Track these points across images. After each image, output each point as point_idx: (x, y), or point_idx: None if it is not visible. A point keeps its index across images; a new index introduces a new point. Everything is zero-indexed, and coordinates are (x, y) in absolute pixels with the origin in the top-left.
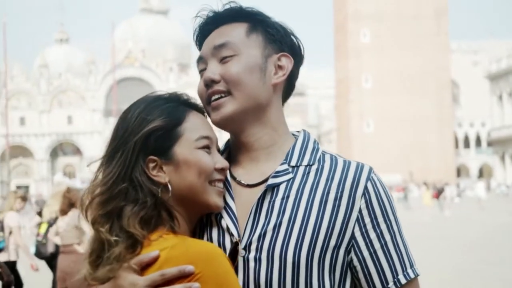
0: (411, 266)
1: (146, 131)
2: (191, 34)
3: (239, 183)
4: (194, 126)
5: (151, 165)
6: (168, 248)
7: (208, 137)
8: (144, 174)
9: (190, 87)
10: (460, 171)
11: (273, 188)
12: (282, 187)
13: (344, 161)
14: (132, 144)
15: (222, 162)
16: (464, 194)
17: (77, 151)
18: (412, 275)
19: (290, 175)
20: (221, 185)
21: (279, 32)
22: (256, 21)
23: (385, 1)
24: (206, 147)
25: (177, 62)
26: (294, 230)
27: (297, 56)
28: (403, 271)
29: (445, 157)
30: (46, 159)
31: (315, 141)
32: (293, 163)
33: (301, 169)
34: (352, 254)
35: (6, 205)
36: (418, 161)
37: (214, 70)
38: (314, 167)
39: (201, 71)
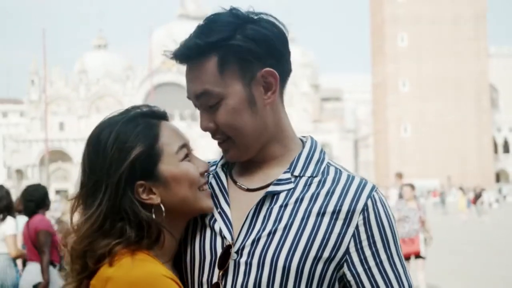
0: (410, 286)
1: (131, 160)
2: None
3: (240, 187)
4: (169, 138)
5: (140, 189)
6: (115, 267)
7: (185, 144)
8: (135, 202)
9: None
10: (499, 176)
11: (273, 195)
12: (282, 195)
13: (348, 176)
14: (118, 176)
15: (203, 165)
16: (505, 200)
17: None
18: None
19: (292, 185)
20: (206, 186)
21: (250, 50)
22: (222, 50)
23: (422, 5)
24: (187, 156)
25: None
26: (289, 237)
27: (279, 55)
28: None
29: (484, 162)
30: None
31: (321, 151)
32: (296, 172)
33: (303, 180)
34: (345, 269)
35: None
36: (456, 166)
37: (207, 119)
38: (316, 179)
39: (195, 105)
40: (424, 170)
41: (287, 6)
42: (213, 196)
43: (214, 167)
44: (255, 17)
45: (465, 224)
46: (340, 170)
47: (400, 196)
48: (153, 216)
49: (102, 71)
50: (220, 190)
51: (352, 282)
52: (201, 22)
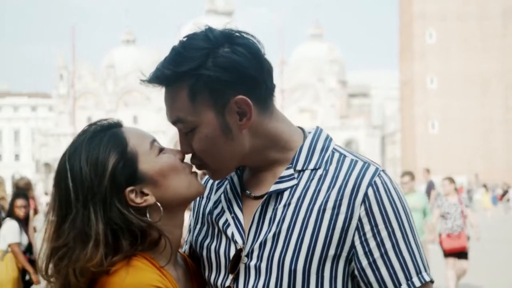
0: (418, 273)
1: (110, 171)
2: (256, 35)
3: (249, 195)
4: (138, 139)
5: (132, 195)
6: (112, 275)
7: (155, 139)
8: (125, 211)
9: None
10: None
11: (277, 194)
12: (285, 194)
13: (351, 161)
14: (103, 192)
15: (178, 153)
16: None
17: None
18: (417, 284)
19: (294, 181)
20: (193, 168)
21: (220, 79)
22: (192, 79)
23: (451, 2)
24: (161, 149)
25: None
26: (292, 239)
27: (252, 78)
28: (407, 280)
29: (511, 159)
30: None
31: (326, 139)
32: (299, 167)
33: (306, 174)
34: (353, 264)
35: None
36: (483, 163)
37: (185, 143)
38: (319, 172)
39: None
40: (451, 167)
41: (315, 2)
42: (227, 200)
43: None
44: (230, 38)
45: (491, 222)
46: (344, 156)
47: (428, 191)
48: (149, 218)
49: (130, 66)
50: (234, 195)
51: (359, 278)
52: (176, 44)
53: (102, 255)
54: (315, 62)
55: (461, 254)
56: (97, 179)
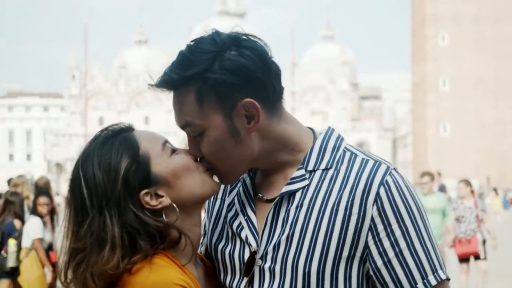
0: (434, 271)
1: (123, 175)
2: (268, 36)
3: (261, 199)
4: (149, 141)
5: (147, 198)
6: (134, 274)
7: (166, 141)
8: (140, 214)
9: None
10: None
11: (290, 196)
12: (297, 195)
13: (362, 161)
14: (117, 196)
15: (189, 152)
16: None
17: None
18: (433, 282)
19: (306, 182)
20: (204, 167)
21: (226, 83)
22: (199, 83)
23: (464, 4)
24: (174, 150)
25: None
26: (306, 240)
27: (259, 81)
28: (423, 278)
29: None
30: None
31: (337, 138)
32: (310, 167)
33: (317, 174)
34: (368, 265)
35: None
36: (496, 167)
37: (193, 147)
38: (330, 172)
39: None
40: (463, 170)
41: (327, 3)
42: (240, 203)
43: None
44: (238, 42)
45: (502, 226)
46: (355, 155)
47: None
48: (165, 219)
49: (142, 66)
50: (247, 197)
51: (374, 278)
52: (183, 49)
53: (119, 258)
54: (326, 64)
55: (476, 256)
56: (110, 184)
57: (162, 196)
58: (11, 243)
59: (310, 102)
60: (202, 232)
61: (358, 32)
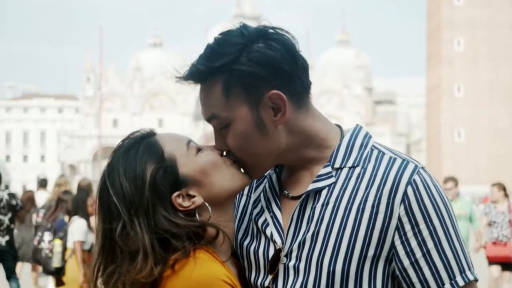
0: (462, 272)
1: (150, 181)
2: None
3: (287, 195)
4: (173, 143)
5: (179, 200)
6: (177, 270)
7: (189, 140)
8: (174, 215)
9: None
10: None
11: (316, 193)
12: (323, 193)
13: (389, 159)
14: (145, 203)
15: (216, 148)
16: None
17: None
18: (461, 283)
19: (332, 179)
20: (232, 161)
21: (252, 74)
22: (226, 74)
23: (480, 10)
24: (199, 149)
25: None
26: (331, 239)
27: (287, 74)
28: (450, 279)
29: None
30: None
31: (365, 136)
32: (337, 164)
33: (344, 172)
34: (394, 264)
35: None
36: (510, 172)
37: (219, 140)
38: (357, 170)
39: (208, 120)
40: (477, 176)
41: (342, 7)
42: (266, 199)
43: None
44: (265, 34)
45: None
46: (382, 153)
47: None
48: (199, 218)
49: (156, 69)
50: (272, 194)
51: (400, 278)
52: (211, 42)
53: (152, 265)
54: (341, 68)
55: (505, 264)
56: (138, 193)
57: (194, 196)
58: (57, 243)
59: (324, 106)
60: None
61: (373, 37)
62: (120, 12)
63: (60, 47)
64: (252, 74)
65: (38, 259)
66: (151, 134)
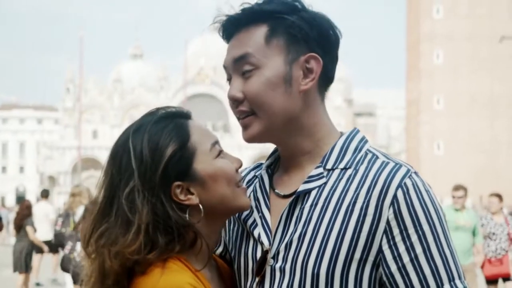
0: (451, 280)
1: (166, 161)
2: None
3: (278, 194)
4: (201, 137)
5: (178, 190)
6: (146, 276)
7: (217, 141)
8: (168, 205)
9: None
10: None
11: (305, 194)
12: (313, 193)
13: (382, 163)
14: (156, 179)
15: (237, 161)
16: None
17: None
18: None
19: (323, 180)
20: (242, 183)
21: (302, 30)
22: (275, 20)
23: (459, 22)
24: (220, 153)
25: None
26: (317, 240)
27: (328, 44)
28: (438, 287)
29: None
30: None
31: (361, 140)
32: (329, 165)
33: (335, 173)
34: (381, 269)
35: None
36: (489, 186)
37: (237, 87)
38: (348, 172)
39: (228, 81)
40: None
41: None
42: (256, 199)
43: (256, 169)
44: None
45: None
46: (376, 157)
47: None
48: (188, 218)
49: (137, 80)
50: (262, 194)
51: (387, 284)
52: None
53: (141, 244)
54: None
55: (506, 278)
56: (153, 166)
57: (192, 194)
58: None
59: None
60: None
61: (353, 49)
62: (101, 23)
63: (39, 58)
64: (300, 29)
65: (68, 269)
66: (185, 116)
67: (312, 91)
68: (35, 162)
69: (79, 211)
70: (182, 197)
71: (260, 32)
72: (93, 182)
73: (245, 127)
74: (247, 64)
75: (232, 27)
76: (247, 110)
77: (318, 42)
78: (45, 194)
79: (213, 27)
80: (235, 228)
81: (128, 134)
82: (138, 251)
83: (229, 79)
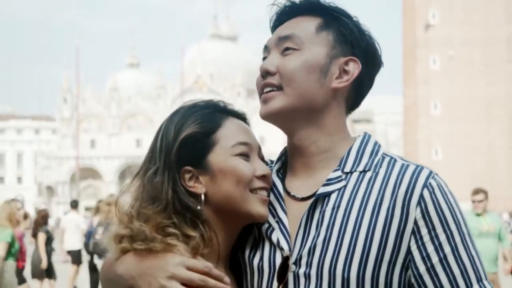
0: (479, 280)
1: (181, 140)
2: (260, 60)
3: (293, 197)
4: (230, 133)
5: (187, 176)
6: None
7: (246, 143)
8: (180, 186)
9: (258, 112)
10: None
11: (325, 197)
12: (333, 196)
13: (402, 165)
14: (173, 157)
15: (263, 169)
16: None
17: None
18: None
19: (343, 183)
20: (264, 192)
21: (353, 33)
22: (331, 17)
23: (455, 28)
24: (244, 154)
25: (245, 87)
26: (344, 244)
27: (371, 62)
28: (467, 287)
29: None
30: (114, 181)
31: (375, 143)
32: (347, 169)
33: (354, 176)
34: (410, 272)
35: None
36: (487, 189)
37: (273, 61)
38: (368, 174)
39: (263, 58)
40: (455, 193)
41: None
42: (269, 203)
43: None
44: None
45: None
46: (394, 160)
47: None
48: (197, 206)
49: (134, 89)
50: (276, 198)
51: (416, 286)
52: None
53: (172, 214)
54: None
55: None
56: (172, 143)
57: (200, 183)
58: None
59: None
60: None
61: None
62: (97, 32)
63: (35, 68)
64: (351, 33)
65: None
66: (229, 112)
67: (340, 94)
68: (33, 172)
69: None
70: (190, 183)
71: (313, 22)
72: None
73: (265, 101)
74: (290, 43)
75: (285, 15)
76: (275, 83)
77: (363, 52)
78: (74, 205)
79: (210, 34)
80: (245, 233)
81: (169, 116)
82: (169, 217)
83: (265, 58)
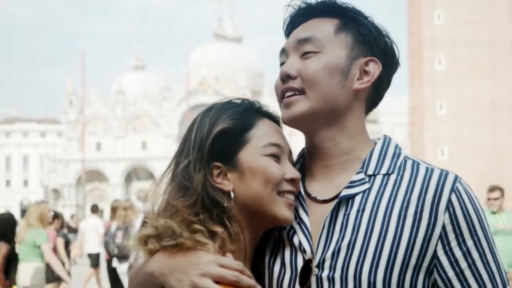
0: (505, 285)
1: (214, 134)
2: (264, 61)
3: (314, 199)
4: (263, 133)
5: (216, 171)
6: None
7: (278, 145)
8: (208, 181)
9: None
10: None
11: (348, 200)
12: (357, 199)
13: (427, 169)
14: (205, 150)
15: (293, 173)
16: None
17: (150, 176)
18: None
19: (367, 185)
20: (291, 196)
21: (371, 33)
22: (348, 18)
23: (460, 28)
24: (275, 155)
25: (249, 89)
26: (370, 247)
27: (389, 62)
28: None
29: None
30: (120, 184)
31: (396, 146)
32: (370, 171)
33: (378, 179)
34: (436, 275)
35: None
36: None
37: (293, 65)
38: (393, 177)
39: (281, 64)
40: None
41: None
42: None
43: None
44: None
45: None
46: (417, 163)
47: None
48: (225, 202)
49: (139, 92)
50: (298, 200)
51: None
52: None
53: (199, 209)
54: None
55: None
56: (206, 137)
57: (228, 180)
58: None
59: None
60: None
61: None
62: (102, 35)
63: (41, 71)
64: (369, 33)
65: None
66: (261, 113)
67: (362, 95)
68: (39, 175)
69: (137, 224)
70: (218, 179)
71: (330, 23)
72: (97, 194)
73: (288, 106)
74: (310, 46)
75: (304, 15)
76: (297, 87)
77: (382, 52)
78: (94, 209)
79: (214, 35)
80: (268, 236)
81: (203, 111)
82: (196, 213)
83: (283, 63)
